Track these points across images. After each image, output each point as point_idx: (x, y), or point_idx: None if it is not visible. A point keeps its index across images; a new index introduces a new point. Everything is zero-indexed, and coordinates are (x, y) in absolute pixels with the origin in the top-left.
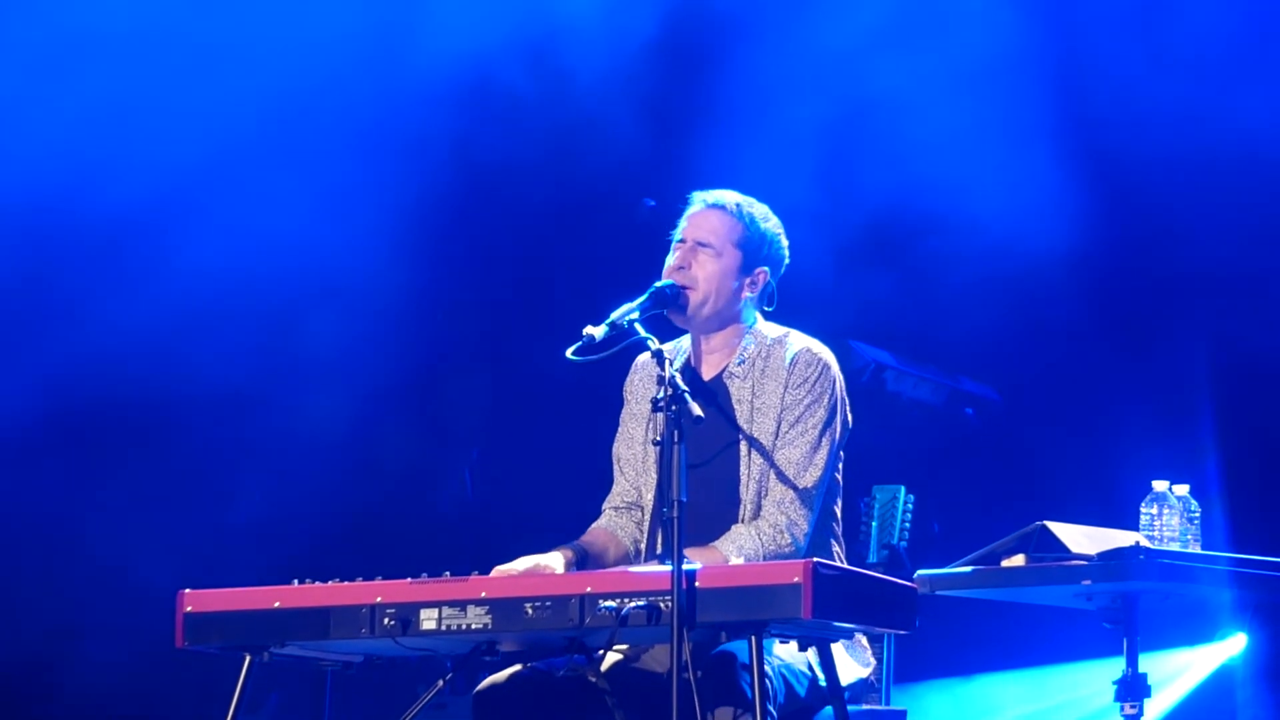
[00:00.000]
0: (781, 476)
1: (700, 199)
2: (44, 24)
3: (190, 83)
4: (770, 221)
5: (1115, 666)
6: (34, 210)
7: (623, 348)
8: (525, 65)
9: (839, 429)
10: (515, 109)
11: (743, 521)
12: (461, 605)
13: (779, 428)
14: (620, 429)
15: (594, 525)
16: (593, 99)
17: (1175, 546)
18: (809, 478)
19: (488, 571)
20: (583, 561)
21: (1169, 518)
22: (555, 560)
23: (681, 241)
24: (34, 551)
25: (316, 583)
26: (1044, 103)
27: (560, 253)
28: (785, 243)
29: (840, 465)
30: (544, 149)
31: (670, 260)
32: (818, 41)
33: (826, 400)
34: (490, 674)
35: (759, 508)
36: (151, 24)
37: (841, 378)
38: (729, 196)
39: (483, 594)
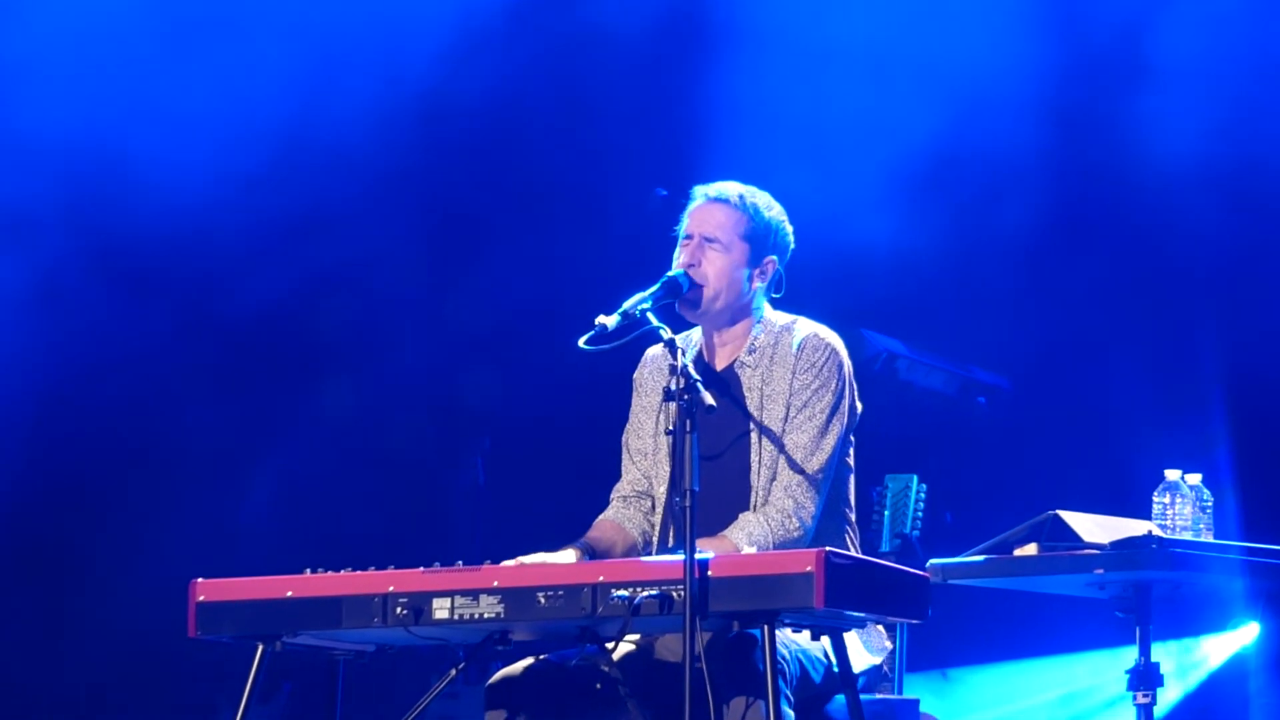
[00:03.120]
0: (789, 461)
1: (702, 193)
2: None
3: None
4: (774, 210)
5: (1128, 655)
6: None
7: (635, 337)
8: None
9: (847, 414)
10: (526, 100)
11: (753, 510)
12: (474, 595)
13: (787, 413)
14: (631, 419)
15: (600, 518)
16: (604, 84)
17: (1188, 535)
18: (816, 462)
19: (500, 561)
20: (590, 558)
21: (1181, 507)
22: (563, 559)
23: (688, 238)
24: (47, 542)
25: (329, 572)
26: (1049, 96)
27: (573, 241)
28: (790, 229)
29: (851, 451)
30: (558, 135)
31: (678, 257)
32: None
33: (834, 385)
34: (503, 664)
35: (769, 495)
36: None
37: (850, 363)
38: (731, 188)
39: (495, 583)
